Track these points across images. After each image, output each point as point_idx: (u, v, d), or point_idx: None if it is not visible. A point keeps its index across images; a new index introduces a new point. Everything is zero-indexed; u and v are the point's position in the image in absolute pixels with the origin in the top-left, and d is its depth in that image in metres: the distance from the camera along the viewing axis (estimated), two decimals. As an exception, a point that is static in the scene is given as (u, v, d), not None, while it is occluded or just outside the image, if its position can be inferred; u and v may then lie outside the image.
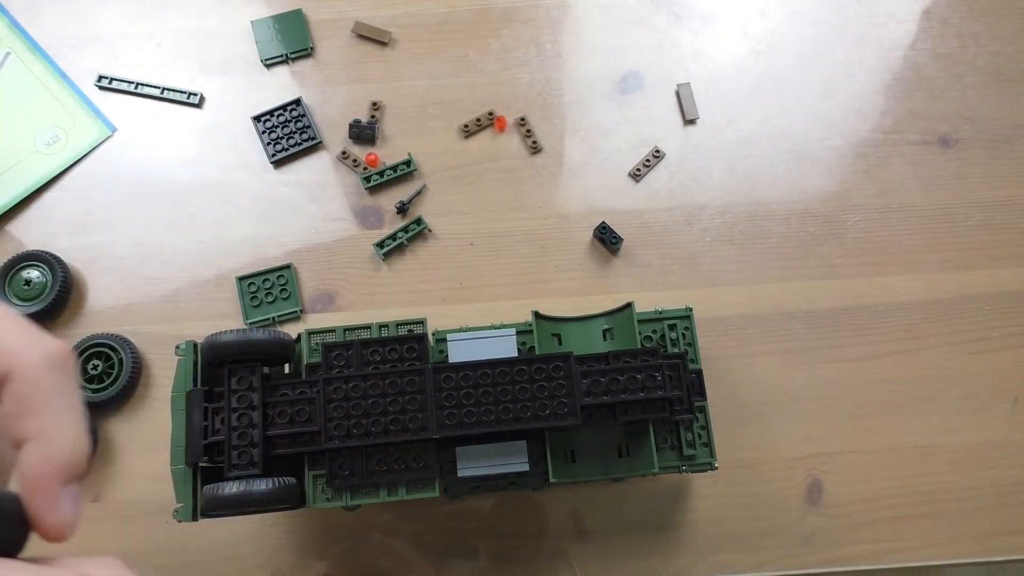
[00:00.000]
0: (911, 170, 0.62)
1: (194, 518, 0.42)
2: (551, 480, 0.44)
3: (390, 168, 0.61)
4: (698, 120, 0.63)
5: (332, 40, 0.65)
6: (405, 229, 0.59)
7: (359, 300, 0.58)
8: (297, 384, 0.43)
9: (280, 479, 0.41)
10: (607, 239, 0.58)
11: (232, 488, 0.40)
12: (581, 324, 0.49)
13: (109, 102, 0.63)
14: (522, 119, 0.63)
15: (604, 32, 0.66)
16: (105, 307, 0.58)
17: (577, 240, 0.60)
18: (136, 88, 0.63)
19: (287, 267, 0.58)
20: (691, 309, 0.48)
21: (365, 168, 0.61)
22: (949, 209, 0.61)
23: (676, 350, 0.47)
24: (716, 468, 0.46)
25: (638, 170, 0.62)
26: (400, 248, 0.59)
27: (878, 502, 0.53)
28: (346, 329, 0.46)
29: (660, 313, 0.48)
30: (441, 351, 0.46)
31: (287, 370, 0.47)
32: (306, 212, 0.60)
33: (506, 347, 0.45)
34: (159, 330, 0.57)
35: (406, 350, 0.44)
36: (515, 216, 0.60)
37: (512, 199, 0.61)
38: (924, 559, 0.52)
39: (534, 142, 0.62)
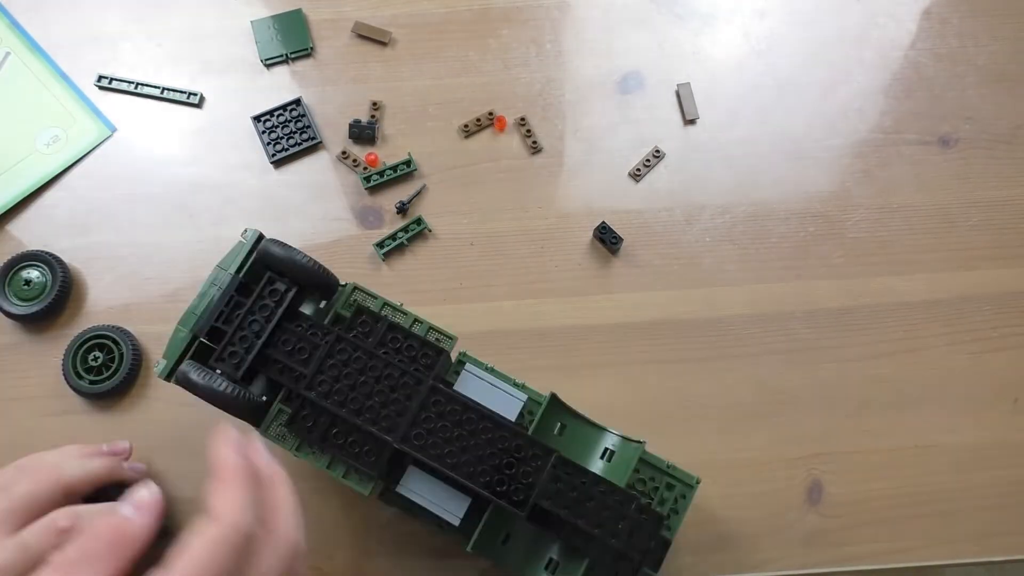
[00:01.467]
0: (911, 170, 0.62)
1: (167, 378, 0.45)
2: (467, 548, 0.42)
3: (390, 168, 0.61)
4: (698, 120, 0.63)
5: (332, 40, 0.65)
6: (405, 229, 0.59)
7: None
8: (314, 325, 0.44)
9: (249, 393, 0.43)
10: (607, 239, 0.58)
11: (203, 377, 0.42)
12: (590, 429, 0.47)
13: (109, 102, 0.63)
14: (522, 119, 0.63)
15: (604, 32, 0.66)
16: (105, 307, 0.58)
17: (577, 240, 0.60)
18: (136, 88, 0.63)
19: (287, 267, 0.58)
20: (698, 482, 0.45)
21: (365, 168, 0.61)
22: (949, 209, 0.61)
23: (660, 510, 0.44)
24: None
25: (638, 170, 0.62)
26: (400, 248, 0.59)
27: (878, 502, 0.53)
28: (386, 303, 0.47)
29: (668, 467, 0.45)
30: (456, 372, 0.45)
31: (321, 306, 0.48)
32: (306, 212, 0.60)
33: (509, 407, 0.44)
34: (159, 330, 0.57)
35: (422, 354, 0.44)
36: (515, 216, 0.60)
37: (512, 199, 0.61)
38: (924, 559, 0.52)
39: (534, 142, 0.62)
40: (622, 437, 0.47)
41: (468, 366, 0.45)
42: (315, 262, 0.45)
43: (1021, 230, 0.60)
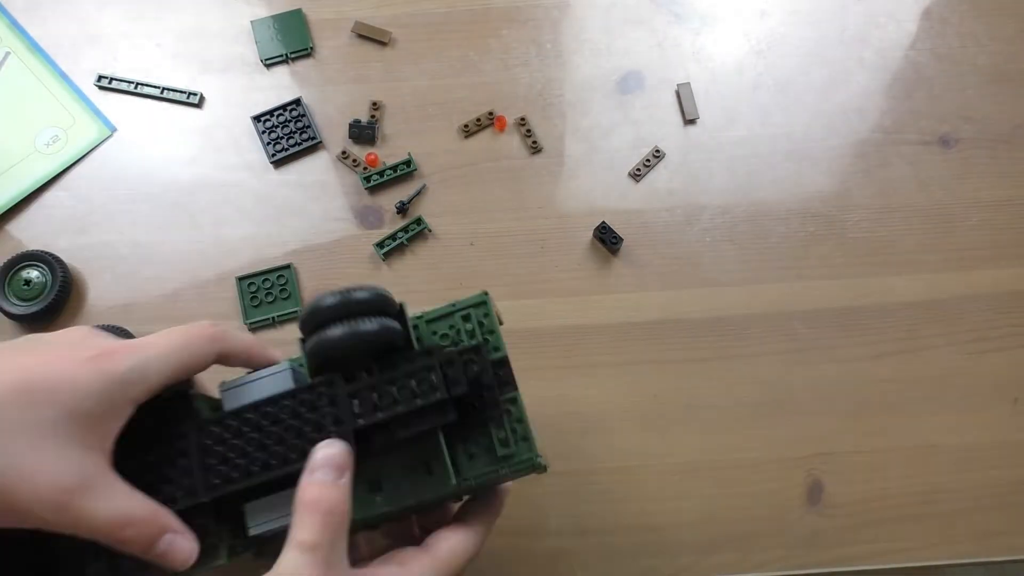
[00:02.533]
0: (911, 170, 0.62)
1: None
2: (354, 518, 0.37)
3: (390, 168, 0.61)
4: (698, 120, 0.63)
5: (332, 40, 0.65)
6: (405, 229, 0.59)
7: (359, 300, 0.58)
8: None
9: None
10: (607, 239, 0.58)
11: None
12: None
13: (109, 102, 0.63)
14: (522, 119, 0.63)
15: (604, 32, 0.66)
16: (105, 307, 0.58)
17: (577, 240, 0.60)
18: (136, 88, 0.63)
19: (287, 267, 0.58)
20: (487, 294, 0.43)
21: (365, 168, 0.61)
22: (949, 209, 0.61)
23: (473, 342, 0.41)
24: (543, 464, 0.39)
25: (638, 170, 0.62)
26: (400, 248, 0.59)
27: (878, 502, 0.53)
28: None
29: (453, 306, 0.42)
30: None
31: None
32: (306, 212, 0.60)
33: (281, 383, 0.40)
34: (159, 330, 0.57)
35: (170, 413, 0.39)
36: (515, 216, 0.60)
37: (512, 199, 0.61)
38: (924, 559, 0.52)
39: (534, 142, 0.62)
40: None
41: (223, 387, 0.40)
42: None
43: (1021, 230, 0.60)
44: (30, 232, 0.60)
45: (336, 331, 0.38)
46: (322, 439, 0.37)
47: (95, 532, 0.32)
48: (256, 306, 0.58)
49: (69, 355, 0.34)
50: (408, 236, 0.59)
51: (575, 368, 0.56)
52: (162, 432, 0.38)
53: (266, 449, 0.37)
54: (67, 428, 0.32)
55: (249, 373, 0.41)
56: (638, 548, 0.52)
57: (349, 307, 0.39)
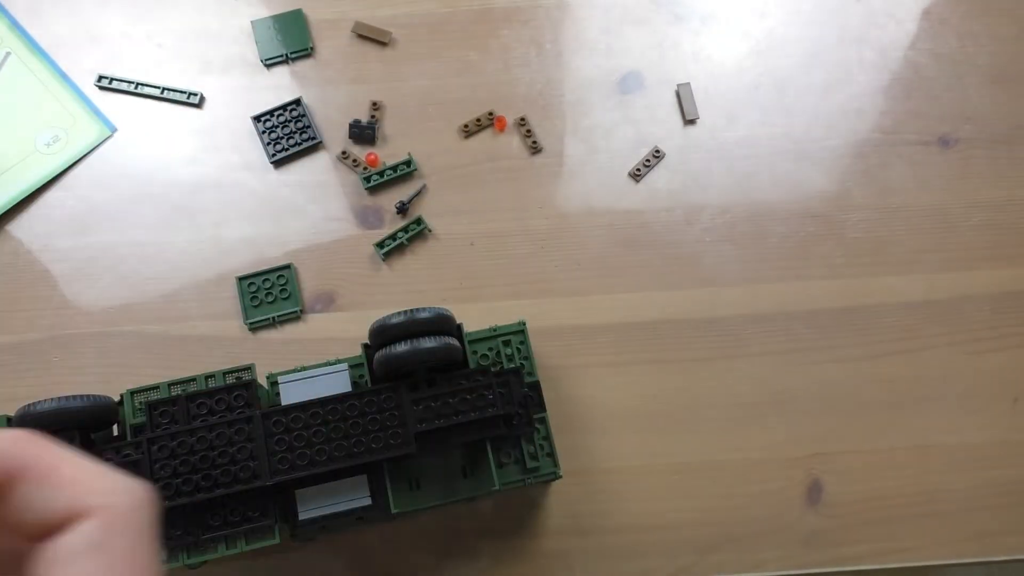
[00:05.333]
0: (911, 170, 0.62)
1: None
2: (393, 511, 0.43)
3: (390, 168, 0.61)
4: (698, 120, 0.63)
5: (332, 40, 0.65)
6: (405, 229, 0.59)
7: (359, 300, 0.58)
8: (122, 447, 0.42)
9: None
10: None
11: None
12: None
13: (109, 102, 0.63)
14: (522, 119, 0.63)
15: (604, 32, 0.66)
16: (105, 307, 0.58)
17: (577, 240, 0.60)
18: (136, 88, 0.63)
19: (287, 267, 0.58)
20: (524, 323, 0.49)
21: (365, 168, 0.61)
22: (949, 209, 0.61)
23: (512, 365, 0.47)
24: (560, 477, 0.46)
25: (638, 170, 0.62)
26: (400, 248, 0.59)
27: (878, 502, 0.53)
28: (171, 384, 0.45)
29: (494, 331, 0.48)
30: (277, 394, 0.45)
31: (116, 431, 0.46)
32: (306, 212, 0.61)
33: (339, 383, 0.45)
34: (159, 330, 0.57)
35: (234, 398, 0.43)
36: (515, 216, 0.60)
37: (512, 199, 0.61)
38: (924, 559, 0.52)
39: (534, 142, 0.62)
40: None
41: (281, 379, 0.45)
42: (87, 397, 0.42)
43: (1021, 230, 0.60)
44: (30, 232, 0.60)
45: (401, 348, 0.43)
46: (386, 438, 0.42)
47: None
48: (256, 306, 0.58)
49: None
50: (408, 236, 0.59)
51: (575, 368, 0.56)
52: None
53: (331, 442, 0.42)
54: None
55: (304, 368, 0.45)
56: (638, 548, 0.52)
57: (413, 326, 0.44)
